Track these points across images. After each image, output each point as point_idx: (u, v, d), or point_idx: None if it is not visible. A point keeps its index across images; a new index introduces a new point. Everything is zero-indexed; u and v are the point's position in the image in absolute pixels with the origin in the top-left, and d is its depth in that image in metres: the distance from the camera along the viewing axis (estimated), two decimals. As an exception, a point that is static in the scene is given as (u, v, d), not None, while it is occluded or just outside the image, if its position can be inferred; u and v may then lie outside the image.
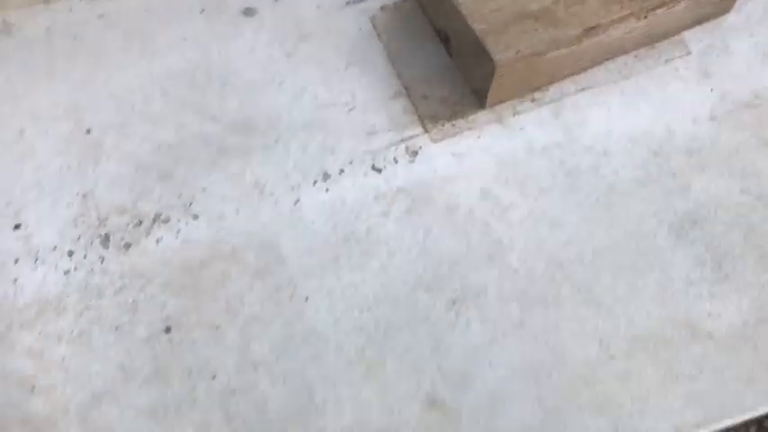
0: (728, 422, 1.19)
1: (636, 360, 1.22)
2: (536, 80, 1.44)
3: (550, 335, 1.24)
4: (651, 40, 1.51)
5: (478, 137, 1.42)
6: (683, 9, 1.45)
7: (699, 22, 1.54)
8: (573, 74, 1.48)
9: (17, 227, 1.30)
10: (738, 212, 1.36)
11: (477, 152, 1.40)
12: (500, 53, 1.32)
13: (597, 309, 1.26)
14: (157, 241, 1.29)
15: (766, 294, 1.28)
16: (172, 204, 1.33)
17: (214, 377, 1.19)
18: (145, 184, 1.34)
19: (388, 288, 1.27)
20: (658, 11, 1.42)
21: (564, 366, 1.21)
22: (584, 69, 1.48)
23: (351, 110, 1.43)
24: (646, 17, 1.41)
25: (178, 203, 1.33)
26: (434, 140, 1.41)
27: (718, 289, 1.29)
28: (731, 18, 1.57)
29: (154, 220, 1.31)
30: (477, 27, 1.35)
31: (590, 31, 1.37)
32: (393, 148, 1.39)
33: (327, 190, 1.35)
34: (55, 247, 1.28)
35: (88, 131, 1.39)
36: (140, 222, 1.31)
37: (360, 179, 1.36)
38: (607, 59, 1.49)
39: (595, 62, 1.48)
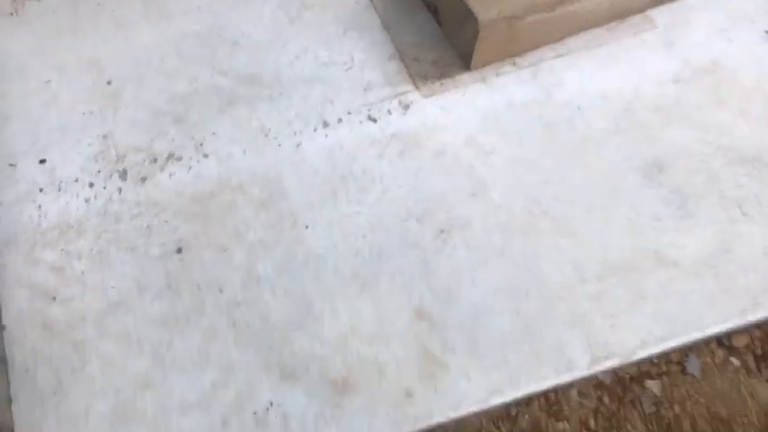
0: (691, 337, 1.30)
1: (607, 283, 1.34)
2: (517, 45, 1.59)
3: (529, 260, 1.36)
4: (621, 14, 1.67)
5: (464, 94, 1.56)
6: (648, -16, 1.62)
7: (663, 1, 1.71)
8: (550, 42, 1.63)
9: (42, 161, 1.42)
10: (700, 160, 1.50)
11: (463, 106, 1.54)
12: (483, 13, 1.47)
13: (572, 239, 1.38)
14: (171, 175, 1.41)
15: (726, 229, 1.41)
16: (184, 145, 1.45)
17: (221, 291, 1.29)
18: (160, 127, 1.47)
19: (382, 219, 1.39)
20: (626, -16, 1.58)
21: (541, 286, 1.33)
22: (561, 38, 1.64)
23: (349, 69, 1.57)
24: (615, -11, 1.58)
25: (190, 144, 1.45)
26: (425, 96, 1.55)
27: (682, 224, 1.41)
28: (693, -1, 1.74)
29: (168, 158, 1.44)
30: (464, -8, 1.50)
31: (564, -2, 1.53)
32: (387, 101, 1.53)
33: (327, 136, 1.48)
34: (77, 179, 1.40)
35: (108, 83, 1.52)
36: (155, 160, 1.43)
37: (356, 127, 1.49)
38: (581, 30, 1.65)
39: (571, 32, 1.63)
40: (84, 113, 1.48)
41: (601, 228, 1.40)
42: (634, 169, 1.48)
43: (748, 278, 1.36)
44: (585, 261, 1.36)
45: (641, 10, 1.69)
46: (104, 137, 1.45)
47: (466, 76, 1.58)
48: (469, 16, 1.49)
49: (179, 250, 1.33)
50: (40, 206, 1.37)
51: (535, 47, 1.61)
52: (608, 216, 1.42)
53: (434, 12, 1.64)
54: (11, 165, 1.41)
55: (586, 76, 1.60)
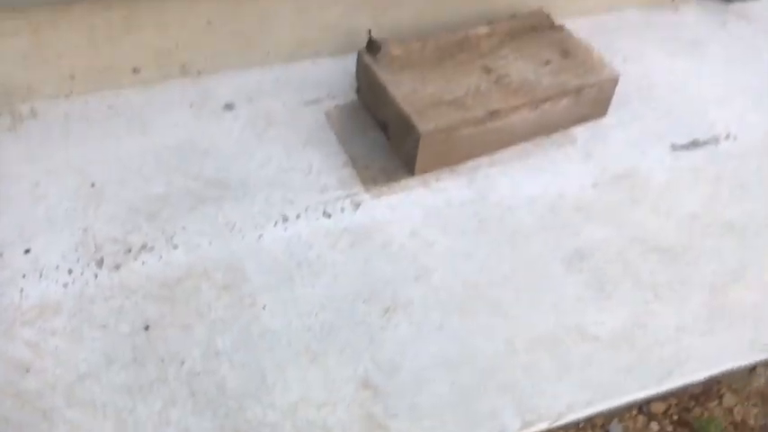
0: (613, 403, 1.43)
1: (535, 355, 1.48)
2: (454, 155, 1.82)
3: (465, 335, 1.50)
4: (546, 131, 1.93)
5: (408, 195, 1.77)
6: (566, 105, 1.88)
7: (583, 120, 1.98)
8: (485, 153, 1.87)
9: (27, 251, 1.57)
10: (618, 251, 1.69)
11: (408, 205, 1.74)
12: (423, 126, 1.71)
13: (504, 317, 1.54)
14: (143, 263, 1.57)
15: (641, 309, 1.58)
16: (156, 237, 1.62)
17: (182, 363, 1.41)
18: (135, 222, 1.65)
19: (333, 300, 1.54)
20: (546, 104, 1.85)
21: (475, 358, 1.47)
22: (494, 150, 1.88)
23: (307, 174, 1.79)
24: (537, 108, 1.83)
25: (161, 237, 1.62)
26: (374, 197, 1.75)
27: (602, 304, 1.58)
28: (608, 119, 2.01)
29: (141, 249, 1.60)
30: (407, 109, 1.75)
31: (493, 114, 1.78)
32: (341, 200, 1.73)
33: (286, 229, 1.66)
34: (57, 267, 1.55)
35: (93, 185, 1.71)
36: (130, 250, 1.59)
37: (313, 221, 1.68)
38: (512, 143, 1.89)
39: (502, 145, 1.88)
40: (67, 210, 1.65)
41: (529, 307, 1.56)
42: (558, 259, 1.66)
43: (663, 351, 1.51)
44: (515, 336, 1.51)
45: (564, 127, 1.96)
46: (85, 230, 1.62)
47: (410, 181, 1.80)
48: (411, 128, 1.72)
49: (146, 328, 1.46)
50: (21, 289, 1.51)
51: (471, 157, 1.85)
52: (535, 298, 1.58)
53: (384, 128, 1.89)
54: (-2, 254, 1.56)
55: (516, 182, 1.82)
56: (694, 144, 1.97)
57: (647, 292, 1.61)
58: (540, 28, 2.03)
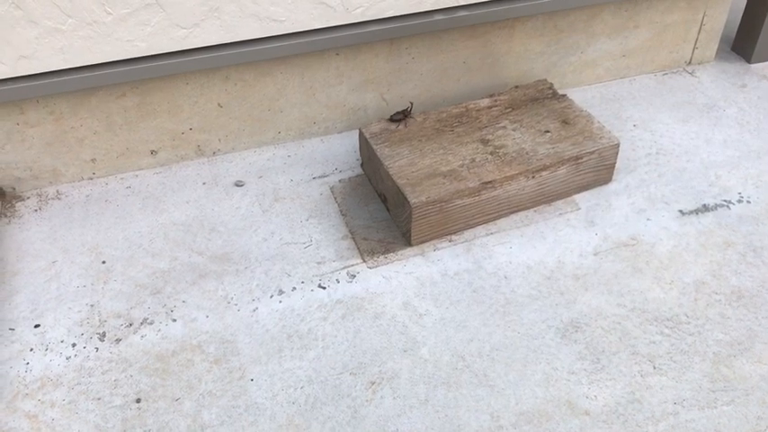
0: (601, 481, 1.38)
1: (521, 430, 1.45)
2: (451, 225, 1.83)
3: (450, 409, 1.48)
4: (547, 198, 1.92)
5: (405, 265, 1.78)
6: (566, 174, 1.88)
7: (586, 187, 1.96)
8: (483, 222, 1.87)
9: (37, 326, 1.66)
10: (614, 321, 1.65)
11: (403, 275, 1.76)
12: (415, 198, 1.74)
13: (491, 390, 1.52)
14: (142, 337, 1.64)
15: (635, 381, 1.53)
16: (157, 311, 1.69)
17: (169, 435, 1.45)
18: (139, 297, 1.72)
19: (320, 372, 1.55)
20: (544, 173, 1.85)
21: (459, 433, 1.44)
22: (493, 219, 1.88)
23: (307, 247, 1.83)
24: (533, 177, 1.84)
25: (162, 311, 1.69)
26: (370, 267, 1.78)
27: (595, 377, 1.54)
28: (613, 186, 1.99)
29: (142, 323, 1.67)
30: (400, 182, 1.79)
31: (487, 185, 1.79)
32: (337, 272, 1.77)
33: (281, 302, 1.70)
34: (62, 341, 1.63)
35: (103, 262, 1.81)
36: (131, 324, 1.67)
37: (308, 294, 1.72)
38: (511, 212, 1.90)
39: (501, 213, 1.88)
40: (78, 287, 1.75)
41: (518, 380, 1.53)
42: (552, 329, 1.63)
43: (658, 427, 1.45)
44: (502, 410, 1.48)
45: (567, 195, 1.95)
46: (92, 306, 1.70)
47: (407, 251, 1.82)
48: (404, 201, 1.76)
49: (138, 400, 1.51)
50: (27, 363, 1.59)
51: (469, 226, 1.86)
52: (526, 370, 1.55)
53: (384, 200, 1.93)
54: (11, 329, 1.66)
55: (514, 250, 1.81)
56: (704, 209, 1.92)
57: (644, 364, 1.56)
58: (542, 98, 2.05)
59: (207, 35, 1.80)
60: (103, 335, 1.65)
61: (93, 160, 2.01)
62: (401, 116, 1.99)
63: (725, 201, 1.94)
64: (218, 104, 2.02)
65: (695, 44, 2.42)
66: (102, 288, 1.75)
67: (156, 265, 1.80)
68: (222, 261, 1.81)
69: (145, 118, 1.97)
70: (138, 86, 1.90)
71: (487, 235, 1.86)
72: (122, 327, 1.66)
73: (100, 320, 1.68)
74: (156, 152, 2.05)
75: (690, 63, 2.46)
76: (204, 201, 1.98)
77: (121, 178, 2.06)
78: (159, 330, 1.65)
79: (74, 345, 1.63)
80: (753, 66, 2.46)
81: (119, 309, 1.70)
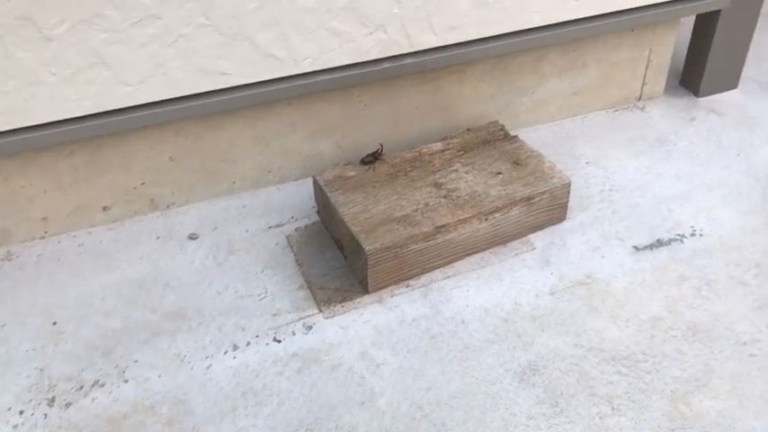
0: None
1: (481, 479, 1.42)
2: (407, 270, 1.83)
3: (408, 461, 1.46)
4: (502, 239, 1.93)
5: (362, 314, 1.77)
6: (519, 214, 1.89)
7: (540, 227, 1.97)
8: (440, 265, 1.87)
9: (-17, 394, 1.62)
10: (572, 362, 1.64)
11: (360, 324, 1.74)
12: (369, 245, 1.73)
13: (449, 439, 1.49)
14: (93, 400, 1.59)
15: (594, 424, 1.51)
16: (109, 373, 1.65)
17: (119, 504, 1.41)
18: (91, 358, 1.68)
19: (275, 430, 1.52)
20: (497, 214, 1.86)
21: (418, 486, 1.42)
22: (449, 262, 1.88)
23: (262, 299, 1.81)
24: (487, 219, 1.85)
25: (114, 372, 1.65)
26: (326, 317, 1.76)
27: (554, 421, 1.52)
28: (567, 224, 2.00)
29: (93, 385, 1.63)
30: (354, 229, 1.78)
31: (441, 228, 1.79)
32: (292, 324, 1.74)
33: (235, 357, 1.67)
34: (9, 408, 1.58)
35: (54, 323, 1.77)
36: (81, 387, 1.62)
37: (262, 348, 1.69)
38: (467, 254, 1.90)
39: (457, 256, 1.88)
40: (27, 350, 1.70)
41: (477, 428, 1.51)
42: (510, 372, 1.62)
43: (617, 469, 1.44)
44: (461, 460, 1.46)
45: (522, 235, 1.95)
46: (41, 370, 1.66)
47: (365, 299, 1.80)
48: (360, 248, 1.75)
49: (87, 467, 1.47)
50: (-28, 433, 1.54)
51: (425, 270, 1.85)
52: (485, 417, 1.53)
53: (341, 247, 1.92)
54: (-44, 398, 1.61)
55: (471, 293, 1.81)
56: (658, 244, 1.93)
57: (602, 406, 1.55)
58: (493, 140, 2.07)
59: (154, 91, 1.80)
60: (53, 400, 1.60)
61: (45, 219, 1.98)
62: (371, 158, 2.00)
63: (678, 235, 1.96)
64: (170, 158, 2.01)
65: (644, 80, 2.46)
66: (53, 350, 1.71)
67: (109, 324, 1.77)
68: (176, 317, 1.78)
69: (96, 175, 1.95)
70: (86, 144, 1.88)
71: (444, 278, 1.85)
72: (73, 390, 1.62)
73: (49, 385, 1.63)
74: (108, 208, 2.03)
75: (640, 98, 2.51)
76: (158, 256, 1.96)
77: (74, 236, 2.03)
78: (111, 392, 1.61)
79: (21, 412, 1.58)
80: (700, 99, 2.51)
81: (69, 371, 1.66)
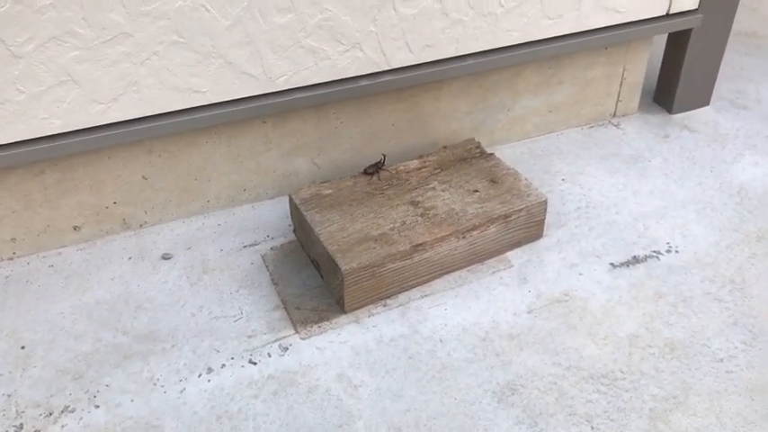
0: None
1: (461, 503, 1.40)
2: (384, 289, 1.81)
3: (387, 485, 1.43)
4: (479, 257, 1.92)
5: (339, 334, 1.74)
6: (496, 232, 1.89)
7: (518, 244, 1.97)
8: (417, 284, 1.86)
9: (-53, 422, 1.56)
10: (551, 381, 1.63)
11: (337, 345, 1.72)
12: (346, 264, 1.71)
13: (428, 462, 1.47)
14: (62, 427, 1.55)
15: (575, 443, 1.50)
16: (79, 398, 1.61)
17: None
18: (60, 383, 1.64)
19: (251, 454, 1.49)
20: (474, 233, 1.85)
21: None
22: (427, 281, 1.87)
23: (237, 320, 1.78)
24: (464, 237, 1.84)
25: (84, 397, 1.61)
26: (303, 338, 1.73)
27: (533, 441, 1.51)
28: (544, 241, 2.00)
29: (62, 411, 1.58)
30: (331, 248, 1.76)
31: (418, 247, 1.78)
32: (268, 345, 1.72)
33: (209, 380, 1.64)
34: (-25, 437, 1.53)
35: (23, 347, 1.72)
36: (51, 413, 1.58)
37: (237, 370, 1.66)
38: (445, 273, 1.88)
39: (434, 275, 1.87)
40: (-6, 376, 1.66)
41: (456, 449, 1.49)
42: (489, 392, 1.61)
43: (598, 489, 1.42)
44: (441, 483, 1.44)
45: (499, 253, 1.95)
46: (9, 396, 1.61)
47: (342, 318, 1.78)
48: (336, 267, 1.73)
49: (56, 497, 1.42)
50: (-65, 464, 1.49)
51: (403, 289, 1.84)
52: (464, 438, 1.52)
53: (317, 266, 1.89)
54: None
55: (449, 312, 1.80)
56: (634, 261, 1.94)
57: (582, 425, 1.54)
58: (470, 158, 2.07)
59: (126, 109, 1.77)
60: (20, 427, 1.55)
61: (13, 240, 1.93)
62: (374, 169, 2.00)
63: (654, 252, 1.97)
64: (143, 177, 1.97)
65: (618, 97, 2.49)
66: (21, 376, 1.66)
67: (79, 347, 1.72)
68: (148, 340, 1.74)
69: (66, 194, 1.91)
70: (57, 163, 1.84)
71: (422, 297, 1.84)
72: (41, 417, 1.57)
73: (17, 411, 1.58)
74: (79, 228, 1.99)
75: (615, 115, 2.53)
76: (130, 276, 1.92)
77: (44, 257, 1.98)
78: (81, 418, 1.57)
79: (-13, 441, 1.53)
80: (674, 116, 2.54)
81: (38, 397, 1.61)
